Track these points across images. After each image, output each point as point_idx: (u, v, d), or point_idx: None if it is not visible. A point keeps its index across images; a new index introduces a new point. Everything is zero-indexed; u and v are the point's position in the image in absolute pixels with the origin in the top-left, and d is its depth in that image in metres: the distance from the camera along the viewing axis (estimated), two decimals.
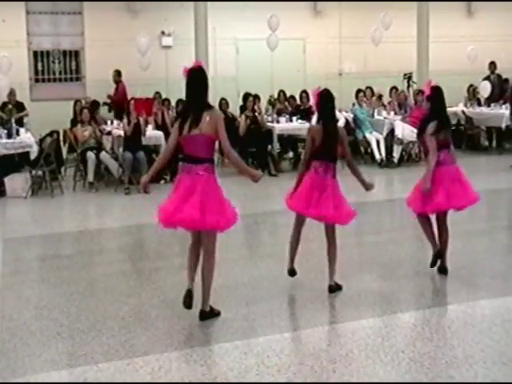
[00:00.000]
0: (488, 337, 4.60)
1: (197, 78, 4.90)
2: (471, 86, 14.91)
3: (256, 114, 12.16)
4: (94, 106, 12.79)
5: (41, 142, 10.79)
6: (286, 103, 13.52)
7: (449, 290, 5.60)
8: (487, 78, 14.90)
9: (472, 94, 14.84)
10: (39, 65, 15.14)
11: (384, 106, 13.40)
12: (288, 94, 13.76)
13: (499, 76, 14.78)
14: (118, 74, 14.06)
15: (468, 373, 4.05)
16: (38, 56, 15.13)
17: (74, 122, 12.20)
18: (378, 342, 4.54)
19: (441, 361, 4.24)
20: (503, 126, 13.24)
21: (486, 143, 14.41)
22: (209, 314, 4.94)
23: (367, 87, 13.62)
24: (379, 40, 15.01)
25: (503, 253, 6.88)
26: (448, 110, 6.14)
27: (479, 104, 14.67)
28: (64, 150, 11.87)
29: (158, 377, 4.10)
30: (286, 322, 4.99)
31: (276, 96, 13.99)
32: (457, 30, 17.21)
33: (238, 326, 4.87)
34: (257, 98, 12.55)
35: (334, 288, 5.43)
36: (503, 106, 13.60)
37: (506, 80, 14.32)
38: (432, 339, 4.60)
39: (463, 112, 14.02)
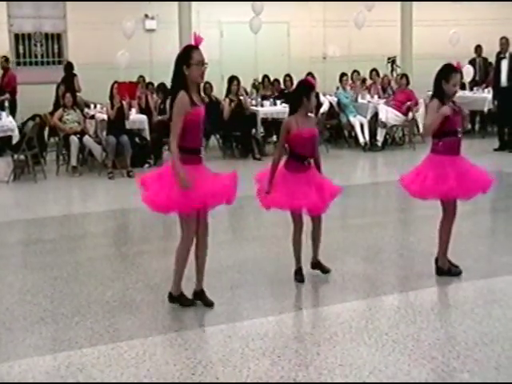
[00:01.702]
0: (470, 318, 4.64)
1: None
2: None
3: (240, 97, 12.11)
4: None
5: (23, 125, 10.69)
6: (271, 88, 13.48)
7: (432, 272, 5.63)
8: (473, 61, 14.95)
9: None
10: (20, 48, 14.97)
11: (368, 89, 13.41)
12: (272, 78, 13.72)
13: (485, 59, 14.79)
14: (6, 60, 13.44)
15: (450, 354, 4.10)
16: (20, 39, 14.95)
17: (56, 106, 12.10)
18: (362, 324, 4.58)
19: (424, 342, 4.29)
20: (485, 109, 13.32)
21: (469, 126, 14.47)
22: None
23: (354, 71, 13.61)
24: (362, 23, 14.98)
25: (486, 235, 6.94)
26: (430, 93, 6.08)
27: (463, 88, 14.72)
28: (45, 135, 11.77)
29: (142, 361, 4.10)
30: (270, 306, 5.00)
31: (260, 80, 13.95)
32: (440, 14, 17.22)
33: (222, 310, 4.88)
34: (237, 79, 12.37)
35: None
36: (485, 90, 13.66)
37: (490, 63, 14.35)
38: (415, 321, 4.64)
39: None
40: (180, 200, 4.54)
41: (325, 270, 5.52)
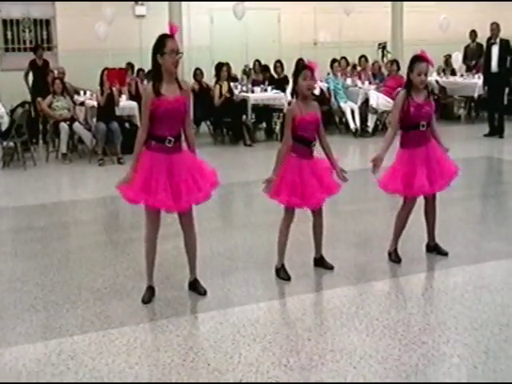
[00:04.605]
0: (460, 303, 4.67)
1: None
2: (449, 56, 15.00)
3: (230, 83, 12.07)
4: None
5: (12, 112, 10.62)
6: (263, 73, 13.43)
7: (422, 258, 5.66)
8: (467, 47, 14.95)
9: (445, 64, 14.93)
10: (9, 34, 14.85)
11: (359, 75, 13.40)
12: (262, 64, 13.66)
13: (479, 44, 14.77)
14: None
15: (440, 338, 4.13)
16: (8, 24, 14.82)
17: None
18: (353, 310, 4.60)
19: (414, 328, 4.31)
20: (475, 95, 13.35)
21: (461, 112, 14.50)
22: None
23: (342, 57, 13.59)
24: (351, 9, 14.95)
25: (475, 221, 6.97)
26: None
27: (453, 73, 14.73)
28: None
29: (133, 348, 4.10)
30: (261, 292, 5.01)
31: (251, 66, 13.90)
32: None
33: (213, 297, 4.89)
34: (227, 65, 12.29)
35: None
36: (476, 76, 13.68)
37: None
38: (406, 307, 4.66)
39: (437, 81, 14.09)
40: (129, 188, 4.62)
41: (328, 267, 5.39)
